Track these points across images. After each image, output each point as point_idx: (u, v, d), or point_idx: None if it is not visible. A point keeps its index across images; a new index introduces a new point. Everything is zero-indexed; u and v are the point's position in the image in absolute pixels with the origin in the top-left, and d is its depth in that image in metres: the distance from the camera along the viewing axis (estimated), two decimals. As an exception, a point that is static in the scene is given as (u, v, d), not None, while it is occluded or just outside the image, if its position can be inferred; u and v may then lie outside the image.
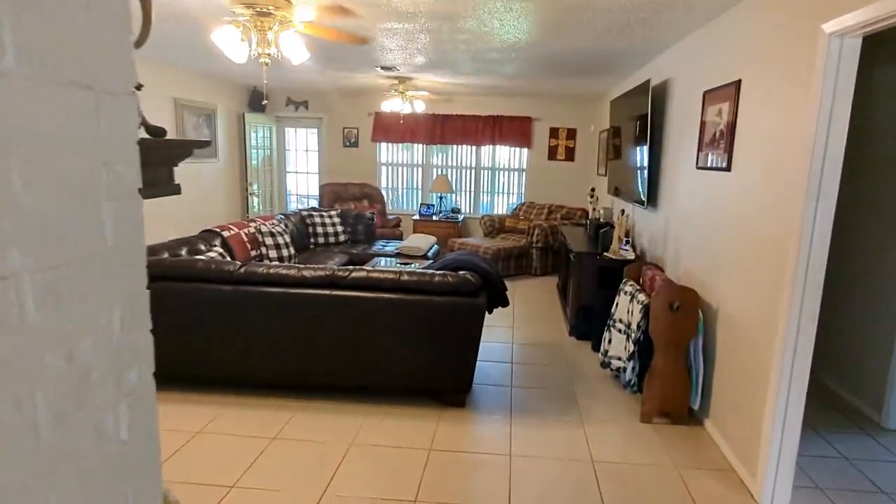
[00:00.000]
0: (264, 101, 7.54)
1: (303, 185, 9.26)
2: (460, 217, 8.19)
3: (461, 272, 3.21)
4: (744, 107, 2.80)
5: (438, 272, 3.19)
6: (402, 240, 7.70)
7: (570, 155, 8.23)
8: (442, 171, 8.66)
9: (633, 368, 3.18)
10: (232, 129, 7.86)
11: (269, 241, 4.79)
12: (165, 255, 3.66)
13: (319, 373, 3.28)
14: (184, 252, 3.87)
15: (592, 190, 6.27)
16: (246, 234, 4.73)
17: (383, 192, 8.82)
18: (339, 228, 6.27)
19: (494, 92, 7.66)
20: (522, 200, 8.51)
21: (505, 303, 3.56)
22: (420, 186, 8.78)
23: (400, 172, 8.81)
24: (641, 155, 4.53)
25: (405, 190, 8.86)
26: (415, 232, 7.96)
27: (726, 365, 2.89)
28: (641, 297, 3.25)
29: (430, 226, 7.95)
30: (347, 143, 8.71)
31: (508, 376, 3.79)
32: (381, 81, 6.71)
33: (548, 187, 8.36)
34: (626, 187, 5.24)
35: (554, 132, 8.21)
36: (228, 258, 4.13)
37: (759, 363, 2.52)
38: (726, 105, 2.98)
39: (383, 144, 8.70)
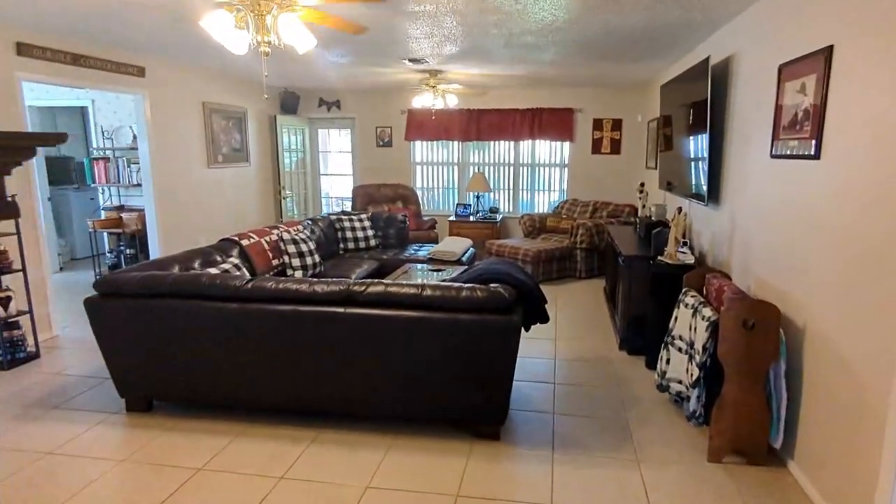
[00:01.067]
0: (279, 94, 7.30)
1: (338, 188, 9.03)
2: (498, 217, 7.75)
3: (492, 285, 2.80)
4: (837, 79, 2.27)
5: (466, 286, 2.78)
6: (436, 243, 7.33)
7: (615, 148, 7.65)
8: (478, 168, 8.24)
9: (699, 398, 2.68)
10: (263, 132, 7.68)
11: (291, 248, 4.50)
12: (175, 269, 3.40)
13: (334, 400, 2.93)
14: (197, 265, 3.60)
15: (642, 185, 5.71)
16: (267, 241, 4.45)
17: (418, 193, 8.48)
18: (370, 233, 5.95)
19: (533, 83, 7.18)
20: (565, 198, 7.99)
21: (544, 318, 3.12)
22: (456, 186, 8.39)
23: (435, 172, 8.44)
24: (699, 145, 3.99)
25: (441, 189, 8.49)
26: (451, 234, 7.57)
27: (818, 396, 2.37)
28: (707, 311, 2.75)
29: (466, 227, 7.54)
30: (381, 143, 8.41)
31: (550, 400, 3.34)
32: (411, 76, 6.35)
33: (592, 183, 7.81)
34: (680, 181, 4.69)
35: (598, 124, 7.65)
36: (245, 270, 3.85)
37: (869, 398, 2.00)
38: (811, 79, 2.45)
39: (417, 143, 8.36)
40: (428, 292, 2.75)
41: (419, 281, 2.86)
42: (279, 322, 2.83)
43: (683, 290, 3.23)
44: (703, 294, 3.20)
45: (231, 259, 3.82)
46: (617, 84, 7.22)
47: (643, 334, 3.98)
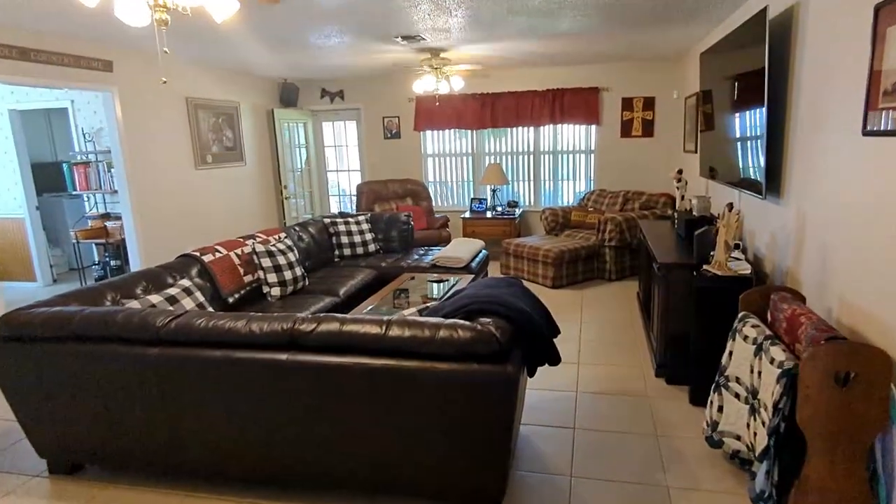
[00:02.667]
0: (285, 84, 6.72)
1: (346, 185, 8.42)
2: (518, 212, 7.00)
3: (481, 320, 2.10)
4: None
5: (446, 322, 2.10)
6: (449, 243, 6.64)
7: (648, 130, 6.79)
8: (495, 158, 7.49)
9: (769, 474, 1.94)
10: (260, 128, 7.11)
11: (266, 262, 3.88)
12: (107, 299, 2.81)
13: (288, 468, 2.30)
14: (139, 290, 3.01)
15: (679, 172, 4.90)
16: (238, 255, 3.85)
17: (430, 188, 7.80)
18: (369, 237, 5.30)
19: (551, 61, 6.38)
20: (591, 188, 7.18)
21: (554, 360, 2.41)
22: (472, 178, 7.66)
23: (448, 164, 7.73)
24: (753, 122, 3.18)
25: (455, 183, 7.78)
26: (464, 233, 6.87)
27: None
28: (777, 353, 2.00)
29: (481, 225, 6.82)
30: (389, 135, 7.74)
31: (567, 455, 2.64)
32: (412, 57, 5.64)
33: (622, 170, 6.97)
34: (726, 168, 3.87)
35: (627, 103, 6.80)
36: (200, 295, 3.24)
37: None
38: (936, 18, 1.65)
39: (428, 133, 7.66)
40: (395, 332, 2.08)
41: (384, 316, 2.18)
42: (210, 371, 2.21)
43: (740, 317, 2.47)
44: (767, 320, 2.43)
45: (183, 282, 3.22)
46: (647, 57, 6.36)
47: (685, 359, 3.23)
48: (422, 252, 5.40)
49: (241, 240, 4.04)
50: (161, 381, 2.26)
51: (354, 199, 8.25)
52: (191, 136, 5.85)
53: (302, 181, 7.85)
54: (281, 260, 3.97)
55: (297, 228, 4.89)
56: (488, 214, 6.97)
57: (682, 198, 4.97)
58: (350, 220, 5.29)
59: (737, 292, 2.63)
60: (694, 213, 4.07)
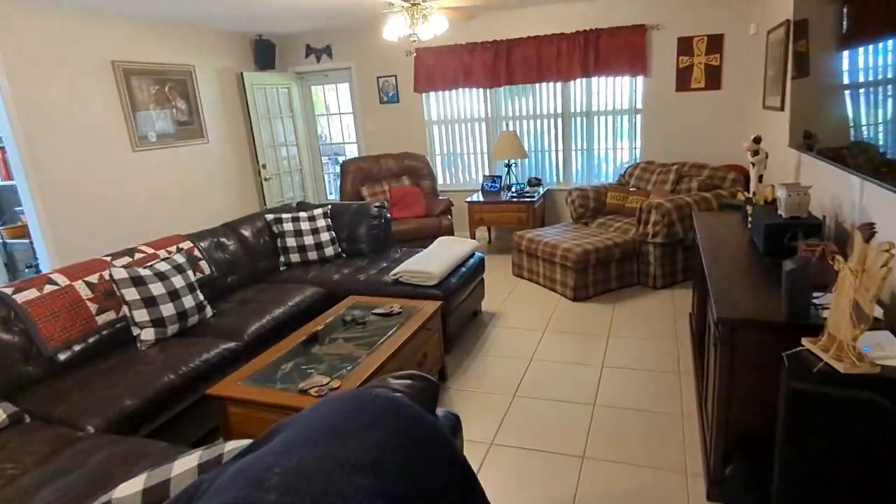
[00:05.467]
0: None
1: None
2: (539, 192, 5.53)
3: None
4: None
5: None
6: (451, 235, 5.31)
7: (713, 80, 5.09)
8: (513, 124, 6.00)
9: None
10: (229, 96, 5.92)
11: (131, 293, 2.71)
12: None
13: None
14: None
15: (756, 142, 3.33)
16: (94, 284, 2.70)
17: (435, 163, 6.42)
18: (326, 237, 4.05)
19: (579, -10, 4.79)
20: (636, 159, 5.59)
21: None
22: (487, 149, 6.22)
23: (458, 132, 6.31)
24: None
25: (469, 155, 6.36)
26: (471, 220, 5.50)
27: None
28: None
29: (491, 210, 5.42)
30: (385, 98, 6.39)
31: None
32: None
33: (676, 136, 5.33)
34: (835, 131, 2.31)
35: (685, 45, 5.10)
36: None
37: None
38: None
39: (432, 95, 6.24)
40: None
41: None
42: None
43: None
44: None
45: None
46: (714, -22, 4.64)
47: (760, 485, 1.82)
48: (400, 253, 4.11)
49: (107, 259, 2.88)
50: None
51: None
52: (123, 110, 4.73)
53: (288, 158, 6.66)
54: (157, 288, 2.78)
55: (222, 230, 3.70)
56: (504, 195, 5.55)
57: (760, 179, 3.40)
58: (301, 216, 4.04)
59: (883, 414, 1.20)
60: (781, 210, 2.53)
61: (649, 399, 2.80)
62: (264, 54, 6.24)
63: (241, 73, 5.96)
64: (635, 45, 5.19)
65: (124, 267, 2.76)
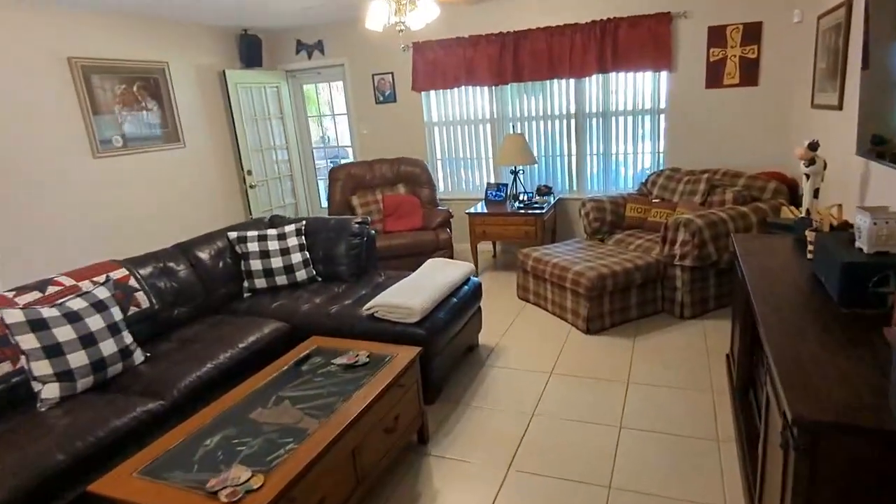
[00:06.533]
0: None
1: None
2: (550, 202, 4.92)
3: None
4: None
5: None
6: (450, 252, 4.74)
7: (749, 75, 4.44)
8: (522, 126, 5.40)
9: None
10: (210, 97, 5.41)
11: (27, 342, 2.17)
12: None
13: None
14: None
15: (813, 147, 2.70)
16: (-16, 329, 2.17)
17: (436, 168, 5.86)
18: (298, 258, 3.50)
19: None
20: (660, 166, 4.95)
21: None
22: (490, 154, 5.63)
23: (461, 135, 5.72)
24: None
25: (473, 160, 5.77)
26: (472, 233, 4.91)
27: None
28: None
29: (494, 223, 4.82)
30: (381, 98, 5.83)
31: None
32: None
33: (706, 139, 4.69)
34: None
35: (717, 35, 4.46)
36: None
37: None
38: None
39: (432, 94, 5.66)
40: None
41: None
42: None
43: None
44: None
45: None
46: (753, -44, 4.00)
47: None
48: (384, 277, 3.54)
49: (10, 295, 2.36)
50: None
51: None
52: (81, 111, 4.24)
53: (278, 163, 6.13)
54: (65, 333, 2.25)
55: (171, 253, 3.16)
56: (511, 205, 4.95)
57: (816, 194, 2.79)
58: (271, 233, 3.49)
59: None
60: (861, 243, 1.90)
61: (678, 482, 2.19)
62: (250, 50, 5.72)
63: (224, 71, 5.45)
64: (659, 35, 4.55)
65: (26, 306, 2.23)
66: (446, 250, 4.78)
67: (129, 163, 4.61)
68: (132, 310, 2.72)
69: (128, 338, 2.49)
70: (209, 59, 5.40)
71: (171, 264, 3.08)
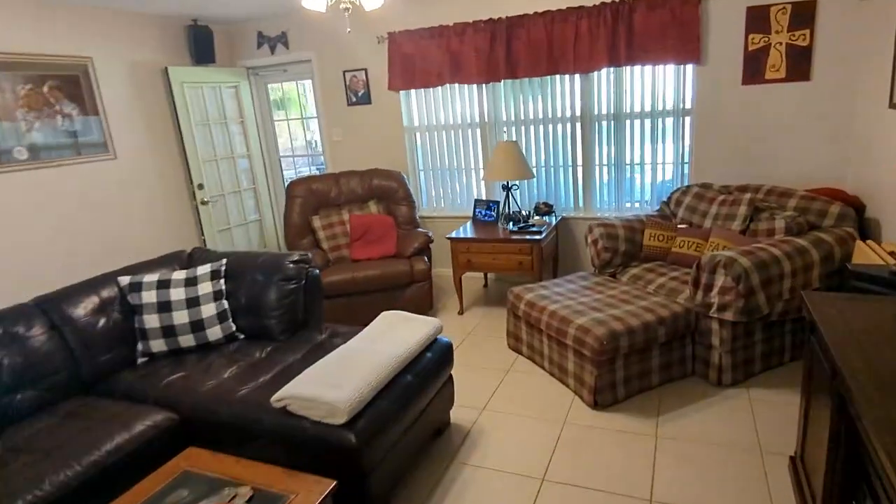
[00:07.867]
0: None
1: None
2: (551, 223, 4.04)
3: None
4: None
5: None
6: (428, 286, 3.88)
7: (798, 68, 3.52)
8: (517, 130, 4.52)
9: None
10: (152, 98, 4.58)
11: None
12: None
13: None
14: None
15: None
16: None
17: (415, 183, 5.00)
18: (211, 310, 2.65)
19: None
20: (683, 180, 4.05)
21: None
22: (481, 164, 4.76)
23: (446, 141, 4.85)
24: None
25: (458, 171, 4.90)
26: (455, 262, 4.03)
27: None
28: None
29: (480, 250, 3.94)
30: (353, 99, 4.98)
31: None
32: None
33: (743, 147, 3.78)
34: None
35: (758, 18, 3.55)
36: None
37: None
38: None
39: (412, 93, 4.80)
40: None
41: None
42: None
43: None
44: None
45: None
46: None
47: None
48: (326, 335, 2.69)
49: None
50: None
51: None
52: (-30, 118, 3.43)
53: (237, 173, 5.30)
54: None
55: (25, 312, 2.32)
56: (502, 228, 4.08)
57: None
58: (176, 277, 2.64)
59: None
60: None
61: None
62: (199, 45, 4.88)
63: (166, 69, 4.62)
64: (685, 19, 3.66)
65: None
66: (423, 283, 3.93)
67: (36, 178, 3.79)
68: (-65, 406, 1.88)
69: None
70: (148, 54, 4.57)
71: (20, 329, 2.24)
